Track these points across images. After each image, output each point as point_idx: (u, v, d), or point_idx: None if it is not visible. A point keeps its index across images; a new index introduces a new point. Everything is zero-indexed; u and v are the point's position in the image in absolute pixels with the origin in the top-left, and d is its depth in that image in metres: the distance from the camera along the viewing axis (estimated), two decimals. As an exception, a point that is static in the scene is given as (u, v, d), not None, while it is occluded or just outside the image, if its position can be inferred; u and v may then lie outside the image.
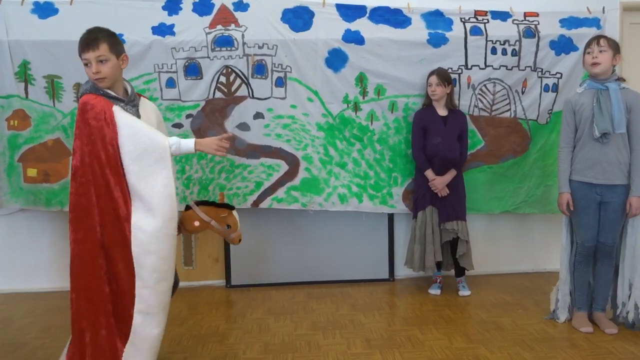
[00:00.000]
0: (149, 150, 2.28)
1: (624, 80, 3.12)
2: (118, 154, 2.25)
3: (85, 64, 2.37)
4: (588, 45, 3.09)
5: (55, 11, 3.75)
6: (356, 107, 3.91)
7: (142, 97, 2.57)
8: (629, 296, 3.14)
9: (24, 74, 3.70)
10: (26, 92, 3.74)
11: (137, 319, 2.28)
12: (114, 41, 2.39)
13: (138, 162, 2.27)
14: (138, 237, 2.25)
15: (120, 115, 2.30)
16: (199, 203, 2.66)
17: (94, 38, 2.34)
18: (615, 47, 3.07)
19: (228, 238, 2.69)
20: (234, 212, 2.67)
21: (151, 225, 2.25)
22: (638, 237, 3.09)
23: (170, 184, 2.31)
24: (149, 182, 2.27)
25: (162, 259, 2.29)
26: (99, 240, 2.26)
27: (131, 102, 2.43)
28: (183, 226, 2.59)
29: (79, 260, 2.28)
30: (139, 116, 2.43)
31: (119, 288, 2.28)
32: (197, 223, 2.58)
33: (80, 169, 2.28)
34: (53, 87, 3.73)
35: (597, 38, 3.09)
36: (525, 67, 3.94)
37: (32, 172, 3.82)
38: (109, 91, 2.38)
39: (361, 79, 3.88)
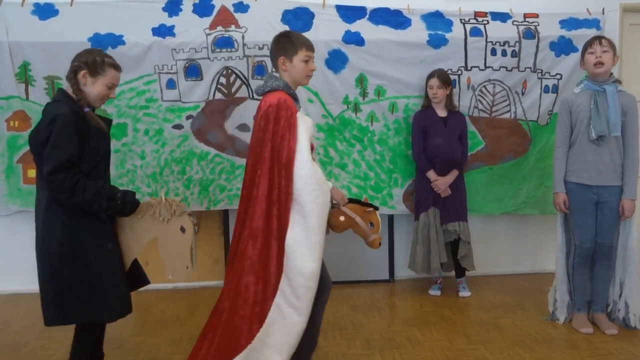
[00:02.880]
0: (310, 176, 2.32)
1: (620, 82, 3.12)
2: (292, 161, 2.29)
3: (305, 61, 2.43)
4: (589, 45, 3.08)
5: (55, 12, 3.75)
6: (356, 108, 3.91)
7: None
8: (620, 295, 3.16)
9: (24, 75, 3.71)
10: (27, 93, 3.74)
11: (274, 310, 2.29)
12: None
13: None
14: (293, 234, 2.28)
15: (301, 125, 2.34)
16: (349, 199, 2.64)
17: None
18: (614, 48, 3.07)
19: (368, 239, 2.63)
20: (378, 214, 2.64)
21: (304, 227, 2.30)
22: (629, 237, 3.11)
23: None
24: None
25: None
26: (261, 229, 2.30)
27: (299, 105, 2.50)
28: (328, 222, 2.51)
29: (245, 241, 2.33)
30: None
31: (266, 277, 2.30)
32: (342, 218, 2.54)
33: (260, 160, 2.33)
34: (53, 88, 3.73)
35: (599, 38, 3.08)
36: (525, 68, 3.95)
37: (32, 173, 3.81)
38: (295, 92, 2.47)
39: (361, 80, 3.88)
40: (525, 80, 3.97)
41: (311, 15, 3.89)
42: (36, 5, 3.76)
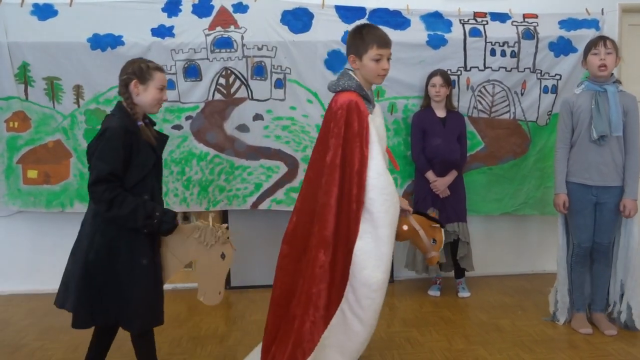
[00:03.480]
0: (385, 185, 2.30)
1: (620, 82, 3.12)
2: (365, 168, 2.25)
3: (376, 60, 2.32)
4: (594, 46, 3.05)
5: (54, 13, 3.75)
6: (355, 109, 3.90)
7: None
8: (621, 296, 3.16)
9: (23, 75, 3.71)
10: (26, 94, 3.74)
11: (338, 316, 2.27)
12: None
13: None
14: (362, 243, 2.25)
15: (372, 128, 2.29)
16: (414, 212, 2.61)
17: (389, 37, 2.40)
18: (617, 49, 3.07)
19: (427, 255, 2.59)
20: (443, 232, 2.60)
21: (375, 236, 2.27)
22: (630, 238, 3.11)
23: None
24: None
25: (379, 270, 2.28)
26: (332, 237, 2.26)
27: (373, 105, 2.43)
28: None
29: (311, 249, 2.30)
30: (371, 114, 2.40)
31: (332, 282, 2.28)
32: (405, 227, 2.51)
33: (329, 167, 2.28)
34: (53, 88, 3.74)
35: (603, 40, 3.05)
36: (525, 68, 3.95)
37: (32, 173, 3.82)
38: (368, 92, 2.38)
39: (360, 81, 3.88)
40: (524, 80, 3.96)
41: (310, 16, 3.88)
42: (35, 5, 3.76)
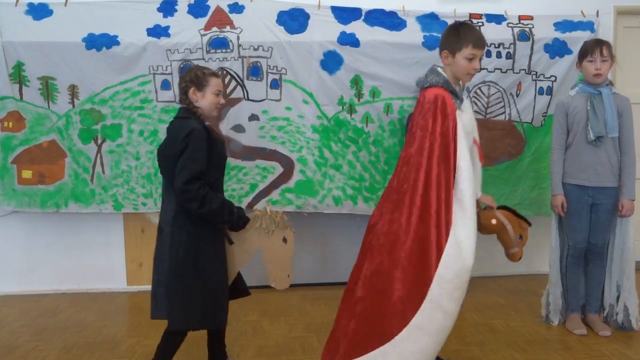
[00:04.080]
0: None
1: (613, 85, 3.14)
2: (454, 160, 2.26)
3: (469, 59, 2.35)
4: (590, 52, 3.04)
5: (49, 12, 3.74)
6: (351, 110, 3.91)
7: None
8: (617, 297, 3.17)
9: (18, 75, 3.69)
10: (20, 94, 3.73)
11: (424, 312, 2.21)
12: None
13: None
14: (456, 235, 2.23)
15: (459, 124, 2.30)
16: (499, 207, 2.65)
17: (485, 38, 2.41)
18: (612, 55, 3.08)
19: (511, 250, 2.61)
20: (528, 230, 2.63)
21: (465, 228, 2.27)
22: (626, 239, 3.12)
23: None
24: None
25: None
26: (414, 225, 2.24)
27: (462, 100, 2.42)
28: (479, 222, 2.47)
29: (388, 238, 2.27)
30: (460, 110, 2.40)
31: (417, 277, 2.24)
32: (494, 221, 2.54)
33: (414, 157, 2.28)
34: (47, 88, 3.73)
35: (599, 46, 3.04)
36: (520, 70, 3.96)
37: (27, 173, 3.81)
38: (456, 88, 2.39)
39: (356, 81, 3.88)
40: (519, 82, 3.98)
41: (306, 16, 3.88)
42: (30, 5, 3.74)
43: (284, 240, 2.58)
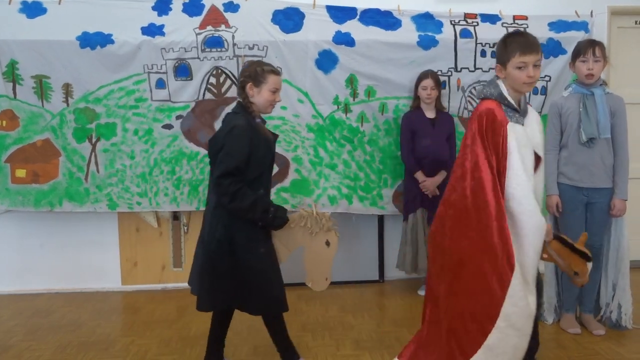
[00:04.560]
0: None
1: (606, 84, 3.15)
2: (502, 177, 2.16)
3: (519, 67, 2.21)
4: (583, 53, 3.03)
5: (43, 11, 3.73)
6: (346, 109, 3.91)
7: (528, 105, 2.37)
8: (613, 296, 3.18)
9: (11, 73, 3.68)
10: (14, 92, 3.71)
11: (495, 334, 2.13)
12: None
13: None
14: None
15: (511, 138, 2.18)
16: (556, 238, 2.41)
17: (536, 42, 2.24)
18: (605, 55, 3.08)
19: (573, 280, 2.47)
20: (589, 265, 2.38)
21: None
22: (621, 239, 3.13)
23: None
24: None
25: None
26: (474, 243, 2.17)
27: (524, 113, 2.29)
28: None
29: (463, 260, 2.19)
30: (522, 124, 2.26)
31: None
32: (545, 255, 2.39)
33: (470, 173, 2.20)
34: (41, 87, 3.71)
35: (592, 46, 3.04)
36: (515, 69, 3.96)
37: (20, 172, 3.79)
38: (512, 101, 2.25)
39: (351, 81, 3.88)
40: (514, 81, 3.98)
41: (301, 16, 3.88)
42: (24, 3, 3.73)
43: (327, 243, 2.58)
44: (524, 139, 2.23)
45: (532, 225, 2.16)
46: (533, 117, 2.34)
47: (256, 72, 2.47)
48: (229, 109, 3.79)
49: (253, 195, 2.38)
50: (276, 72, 2.51)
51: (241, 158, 2.34)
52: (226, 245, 2.40)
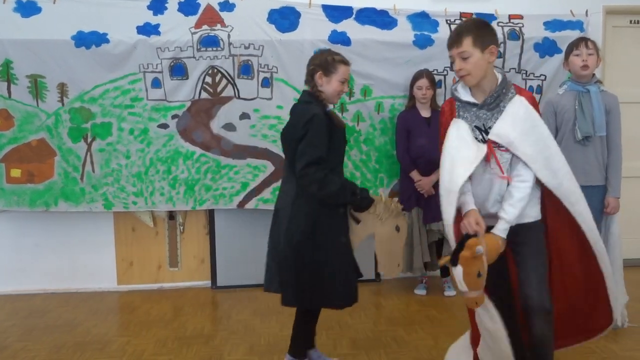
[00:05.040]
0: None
1: (601, 82, 3.16)
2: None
3: (453, 62, 2.17)
4: (575, 47, 3.06)
5: (38, 10, 3.71)
6: (342, 108, 3.91)
7: (517, 95, 2.14)
8: None
9: (6, 73, 3.66)
10: (9, 92, 3.69)
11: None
12: (479, 34, 2.11)
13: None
14: None
15: (450, 134, 2.20)
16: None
17: (457, 33, 2.13)
18: (598, 50, 3.10)
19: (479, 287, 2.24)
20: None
21: None
22: (609, 235, 3.14)
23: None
24: None
25: None
26: None
27: (487, 106, 2.13)
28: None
29: None
30: (496, 118, 2.12)
31: None
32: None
33: None
34: (36, 86, 3.69)
35: (584, 40, 3.07)
36: (510, 69, 3.98)
37: (15, 172, 3.77)
38: (460, 95, 2.19)
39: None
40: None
41: (297, 15, 3.88)
42: (18, 2, 3.71)
43: (397, 229, 2.56)
44: (464, 133, 2.18)
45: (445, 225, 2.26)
46: (511, 110, 2.13)
47: (327, 61, 2.45)
48: (225, 108, 3.81)
49: (339, 180, 2.40)
50: (346, 62, 2.49)
51: (323, 147, 2.33)
52: (310, 235, 2.38)
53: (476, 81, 2.14)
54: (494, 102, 2.13)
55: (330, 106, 2.53)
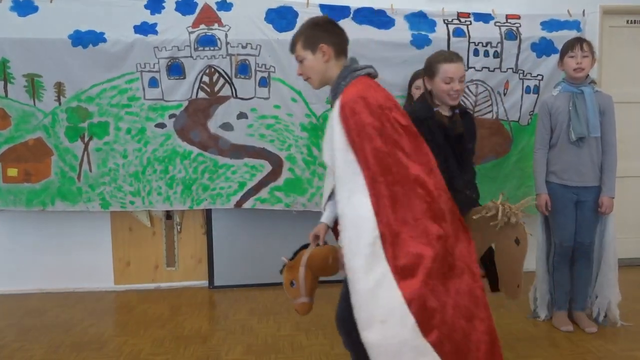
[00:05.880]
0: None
1: (595, 83, 3.17)
2: None
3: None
4: (571, 48, 3.07)
5: (35, 9, 3.70)
6: (340, 108, 3.91)
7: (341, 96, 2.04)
8: (597, 294, 3.24)
9: (3, 72, 3.65)
10: (5, 91, 3.68)
11: None
12: (308, 35, 2.10)
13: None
14: None
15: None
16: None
17: (293, 37, 2.15)
18: (593, 52, 3.11)
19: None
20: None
21: None
22: (606, 234, 3.16)
23: None
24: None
25: None
26: None
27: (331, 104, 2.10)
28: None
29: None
30: None
31: None
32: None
33: None
34: (33, 86, 3.68)
35: (579, 42, 3.08)
36: (507, 68, 3.98)
37: (12, 171, 3.76)
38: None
39: (345, 80, 3.88)
40: (507, 80, 4.00)
41: (295, 14, 3.88)
42: (15, 1, 3.69)
43: (517, 241, 2.21)
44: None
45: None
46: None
47: (429, 63, 2.52)
48: (222, 108, 3.81)
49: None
50: (448, 59, 2.48)
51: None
52: None
53: (318, 84, 2.11)
54: (332, 101, 2.08)
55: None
